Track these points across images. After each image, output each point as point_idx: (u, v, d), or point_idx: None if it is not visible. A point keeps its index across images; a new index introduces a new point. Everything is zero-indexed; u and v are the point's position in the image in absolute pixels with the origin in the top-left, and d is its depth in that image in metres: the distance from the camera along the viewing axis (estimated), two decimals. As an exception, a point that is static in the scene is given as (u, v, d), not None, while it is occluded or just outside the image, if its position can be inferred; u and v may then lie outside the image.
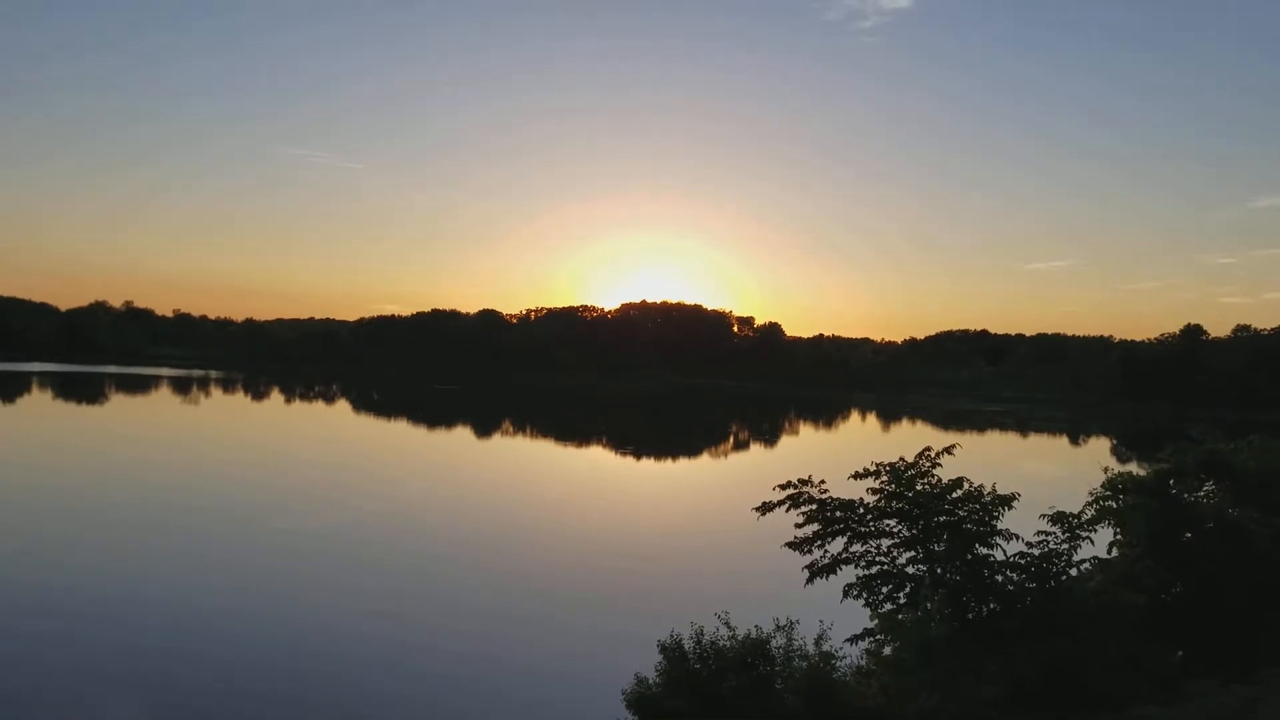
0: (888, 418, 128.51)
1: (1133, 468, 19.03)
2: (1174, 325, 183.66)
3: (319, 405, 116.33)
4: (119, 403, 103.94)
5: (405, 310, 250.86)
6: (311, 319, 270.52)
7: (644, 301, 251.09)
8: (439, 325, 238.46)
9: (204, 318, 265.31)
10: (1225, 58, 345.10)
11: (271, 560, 29.55)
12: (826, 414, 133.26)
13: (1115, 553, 17.38)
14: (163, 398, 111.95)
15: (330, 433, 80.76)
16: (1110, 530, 17.47)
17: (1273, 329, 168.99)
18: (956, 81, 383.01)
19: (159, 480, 45.76)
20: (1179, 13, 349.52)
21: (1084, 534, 15.90)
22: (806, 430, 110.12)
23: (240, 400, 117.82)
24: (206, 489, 43.58)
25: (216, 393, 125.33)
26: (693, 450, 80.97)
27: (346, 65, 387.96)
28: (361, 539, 33.83)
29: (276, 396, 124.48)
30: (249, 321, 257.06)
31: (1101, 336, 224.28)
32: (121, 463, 52.87)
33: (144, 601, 24.19)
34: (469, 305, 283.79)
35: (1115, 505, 17.34)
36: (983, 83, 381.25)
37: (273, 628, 22.56)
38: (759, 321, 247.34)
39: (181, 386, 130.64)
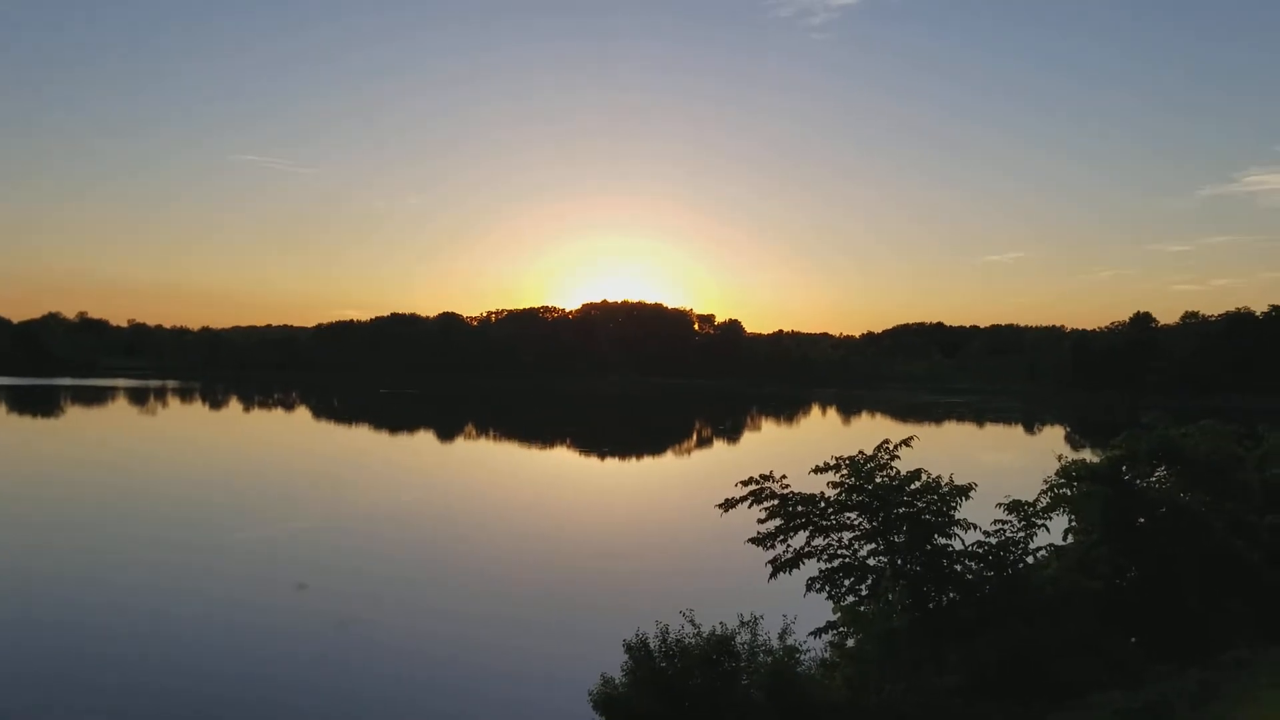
0: (847, 411, 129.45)
1: (1086, 455, 19.31)
2: (1127, 314, 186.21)
3: (278, 413, 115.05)
4: (75, 416, 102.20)
5: (365, 315, 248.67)
6: (269, 326, 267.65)
7: (605, 301, 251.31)
8: (399, 329, 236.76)
9: (160, 327, 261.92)
10: (1177, 46, 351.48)
11: (235, 568, 29.17)
12: (787, 410, 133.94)
13: (1071, 540, 17.66)
14: (119, 409, 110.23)
15: (291, 440, 79.95)
16: (1065, 518, 17.74)
17: (1220, 315, 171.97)
18: (907, 76, 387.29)
19: (116, 493, 45.05)
20: (1132, 1, 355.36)
21: (1040, 522, 16.18)
22: (768, 426, 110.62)
23: (198, 410, 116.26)
24: (165, 499, 42.97)
25: (174, 403, 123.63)
26: (656, 448, 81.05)
27: (305, 70, 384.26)
28: (325, 545, 33.54)
29: (235, 405, 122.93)
30: (206, 330, 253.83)
31: (1055, 326, 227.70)
32: (74, 478, 52.02)
33: (111, 611, 23.82)
34: (429, 309, 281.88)
35: (1070, 493, 17.60)
36: (932, 76, 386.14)
37: (239, 634, 22.28)
38: (719, 319, 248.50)
39: (138, 397, 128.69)
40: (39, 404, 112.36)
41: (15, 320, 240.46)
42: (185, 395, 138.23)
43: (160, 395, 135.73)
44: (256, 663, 20.54)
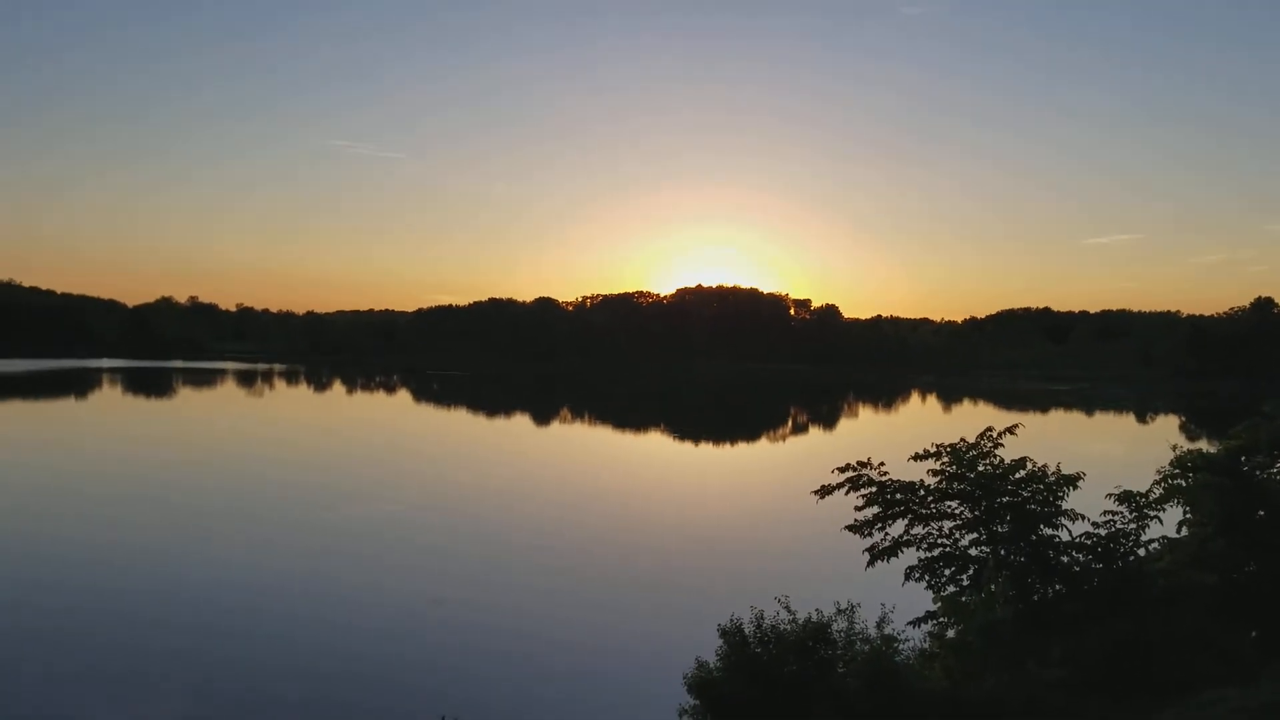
0: (947, 399, 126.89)
1: (1202, 445, 18.55)
2: (1242, 298, 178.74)
3: (379, 396, 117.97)
4: (185, 397, 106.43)
5: (462, 300, 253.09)
6: (371, 310, 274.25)
7: (700, 287, 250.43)
8: (496, 314, 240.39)
9: (266, 311, 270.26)
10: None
11: (328, 548, 30.05)
12: (886, 396, 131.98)
13: (1185, 532, 16.98)
14: (226, 391, 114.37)
15: (391, 423, 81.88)
16: (1180, 510, 17.06)
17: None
18: (1003, 61, 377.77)
19: (214, 472, 46.81)
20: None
21: (1152, 513, 15.57)
22: (866, 413, 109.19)
23: (302, 392, 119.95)
24: (267, 479, 44.47)
25: (280, 385, 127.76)
26: (751, 434, 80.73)
27: (409, 59, 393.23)
28: (426, 525, 34.30)
29: (338, 388, 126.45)
30: (310, 314, 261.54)
31: (1167, 312, 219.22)
32: (181, 458, 54.14)
33: (208, 587, 24.79)
34: (525, 295, 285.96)
35: (1185, 484, 16.92)
36: (1030, 62, 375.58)
37: (329, 616, 22.95)
38: (815, 304, 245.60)
39: (245, 379, 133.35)
40: (151, 385, 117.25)
41: (130, 304, 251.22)
42: (290, 378, 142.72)
43: (267, 378, 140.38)
44: (348, 645, 21.07)
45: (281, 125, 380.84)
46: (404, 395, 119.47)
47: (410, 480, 45.86)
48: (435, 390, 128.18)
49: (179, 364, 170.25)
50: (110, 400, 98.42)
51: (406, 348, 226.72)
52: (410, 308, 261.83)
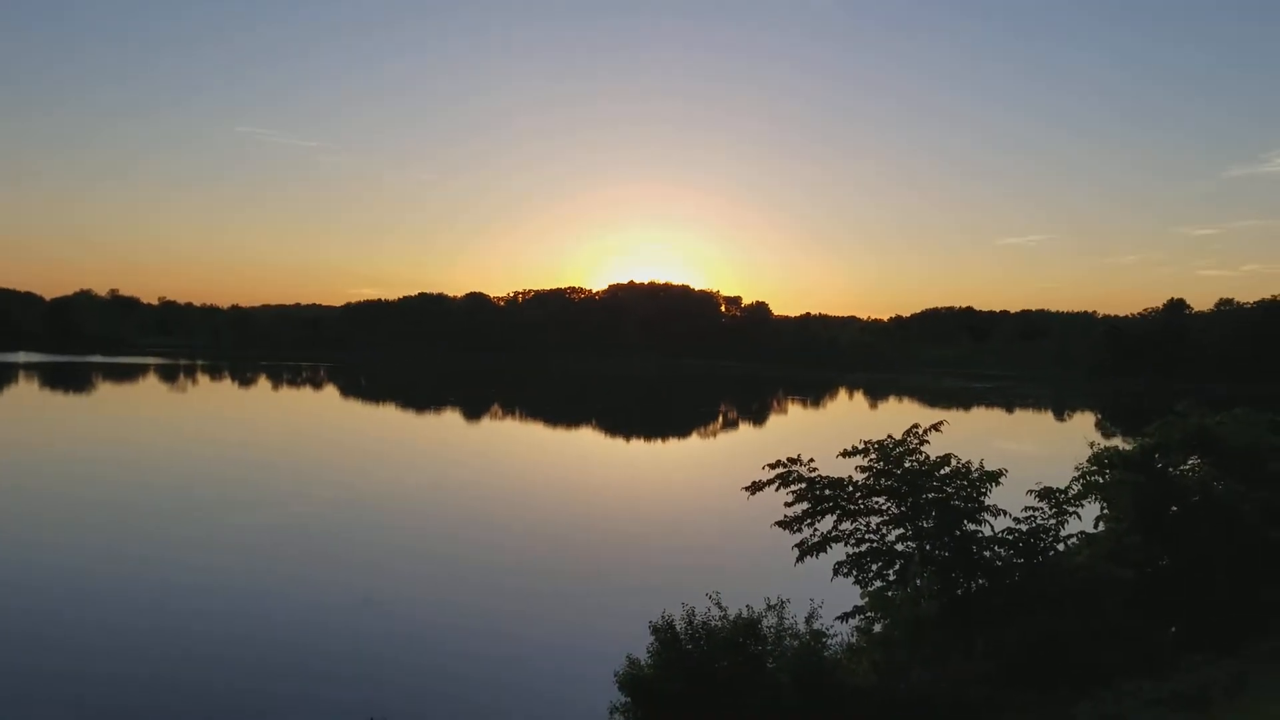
0: (875, 396, 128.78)
1: (1118, 443, 19.10)
2: (1154, 299, 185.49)
3: (305, 391, 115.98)
4: (101, 394, 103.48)
5: (389, 294, 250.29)
6: (298, 305, 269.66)
7: (631, 283, 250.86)
8: (426, 309, 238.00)
9: (190, 305, 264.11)
10: (1202, 27, 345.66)
11: (254, 549, 29.47)
12: (814, 393, 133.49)
13: (1102, 527, 17.50)
14: (145, 388, 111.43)
15: (317, 420, 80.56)
16: (1097, 505, 17.57)
17: (1255, 302, 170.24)
18: (927, 56, 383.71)
19: (134, 472, 45.63)
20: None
21: (1071, 509, 16.01)
22: (795, 409, 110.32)
23: (226, 388, 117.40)
24: (186, 479, 43.46)
25: (203, 381, 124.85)
26: (682, 430, 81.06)
27: (338, 50, 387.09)
28: (348, 523, 33.78)
29: (263, 383, 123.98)
30: (235, 308, 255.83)
31: (1085, 312, 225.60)
32: (100, 456, 52.70)
33: (117, 597, 24.15)
34: (454, 289, 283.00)
35: (1102, 480, 17.43)
36: (953, 56, 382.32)
37: (256, 617, 22.51)
38: (746, 301, 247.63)
39: (167, 375, 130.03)
40: (68, 381, 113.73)
41: (48, 297, 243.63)
42: (214, 373, 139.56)
43: (189, 373, 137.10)
44: (274, 645, 20.74)
45: (206, 116, 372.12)
46: (330, 391, 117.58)
47: (334, 479, 45.14)
48: (362, 385, 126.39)
49: (98, 359, 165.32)
50: (20, 396, 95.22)
51: (335, 342, 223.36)
52: (339, 302, 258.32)
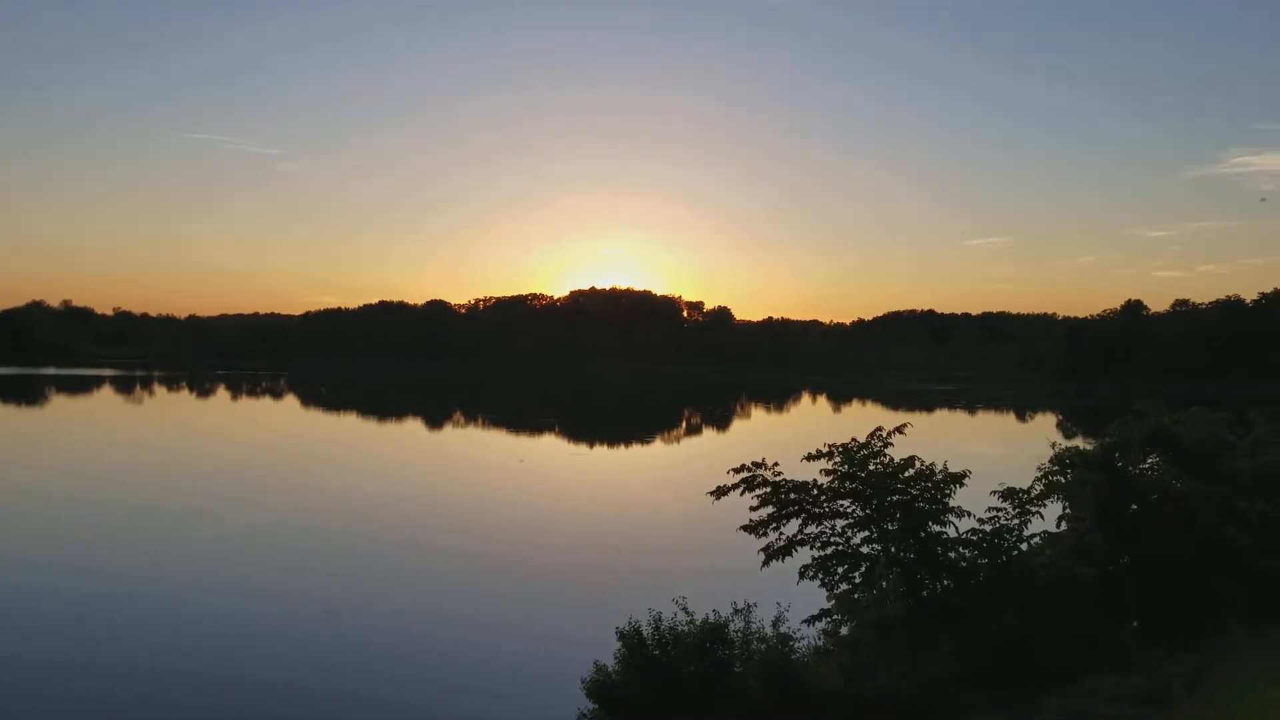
0: (838, 399, 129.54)
1: (1079, 443, 19.30)
2: (1112, 300, 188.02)
3: (264, 401, 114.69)
4: (54, 407, 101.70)
5: (350, 302, 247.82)
6: (256, 314, 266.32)
7: (593, 289, 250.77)
8: (387, 316, 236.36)
9: (145, 315, 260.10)
10: (1154, 33, 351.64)
11: (214, 561, 29.04)
12: (777, 397, 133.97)
13: (1064, 527, 17.66)
14: (99, 400, 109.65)
15: (278, 430, 79.67)
16: (1059, 505, 17.73)
17: (1210, 303, 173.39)
18: (884, 63, 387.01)
19: (88, 487, 44.87)
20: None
21: (1034, 509, 16.17)
22: (758, 413, 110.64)
23: (183, 398, 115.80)
24: (143, 493, 42.79)
25: (160, 392, 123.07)
26: (646, 436, 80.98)
27: (296, 57, 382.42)
28: (314, 533, 33.40)
29: (221, 394, 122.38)
30: (192, 318, 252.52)
31: (1046, 314, 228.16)
32: (50, 472, 51.77)
33: (85, 608, 23.72)
34: (415, 297, 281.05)
35: (1063, 480, 17.59)
36: (911, 60, 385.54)
37: (218, 630, 22.17)
38: (708, 306, 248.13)
39: (123, 386, 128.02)
40: (18, 394, 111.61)
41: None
42: (170, 384, 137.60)
43: (145, 384, 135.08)
44: (245, 653, 20.47)
45: (161, 123, 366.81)
46: (290, 400, 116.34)
47: (295, 489, 44.64)
48: (322, 394, 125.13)
49: (51, 371, 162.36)
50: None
51: (294, 351, 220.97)
52: (298, 310, 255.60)
